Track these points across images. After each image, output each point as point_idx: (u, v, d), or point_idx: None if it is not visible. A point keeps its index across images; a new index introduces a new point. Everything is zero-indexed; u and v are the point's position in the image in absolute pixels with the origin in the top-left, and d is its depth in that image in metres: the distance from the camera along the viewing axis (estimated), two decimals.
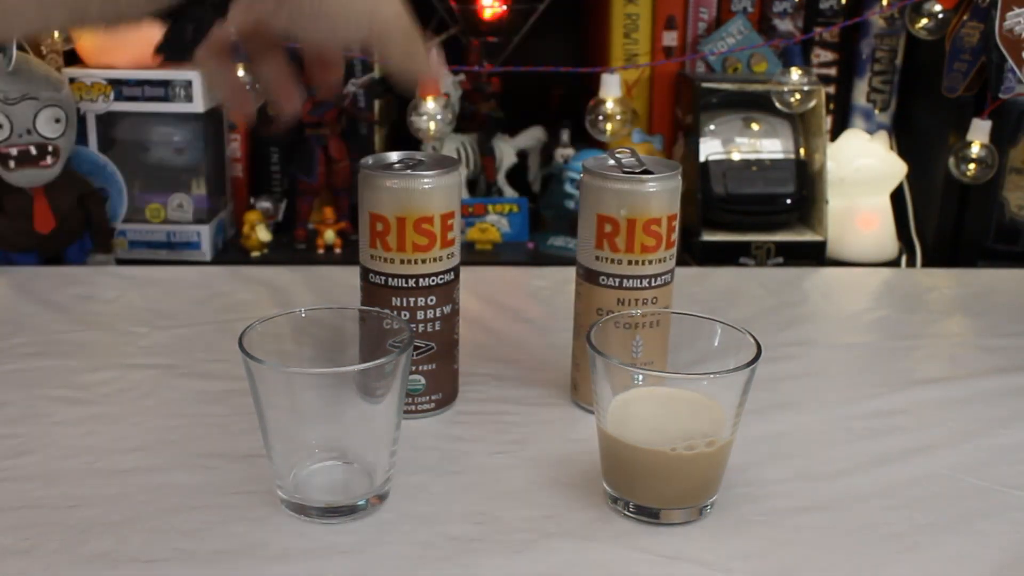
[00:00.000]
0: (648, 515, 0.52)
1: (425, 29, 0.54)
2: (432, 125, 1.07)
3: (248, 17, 0.46)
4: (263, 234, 1.12)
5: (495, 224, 1.16)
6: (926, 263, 1.14)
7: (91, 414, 0.64)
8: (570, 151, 1.20)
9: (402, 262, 0.60)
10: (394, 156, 0.62)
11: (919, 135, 1.20)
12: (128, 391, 0.68)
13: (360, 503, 0.53)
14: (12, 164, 0.98)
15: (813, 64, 1.20)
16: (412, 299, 0.61)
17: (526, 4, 1.17)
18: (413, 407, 0.63)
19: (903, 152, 1.18)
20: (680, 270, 0.64)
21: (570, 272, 0.65)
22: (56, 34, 1.05)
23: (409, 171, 0.60)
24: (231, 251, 1.14)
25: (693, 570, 0.49)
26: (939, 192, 1.14)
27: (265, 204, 1.15)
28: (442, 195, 0.60)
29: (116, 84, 1.05)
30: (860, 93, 1.21)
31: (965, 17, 1.04)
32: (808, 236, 1.10)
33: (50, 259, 1.03)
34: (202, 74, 0.56)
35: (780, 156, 1.11)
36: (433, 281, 0.61)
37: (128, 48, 1.05)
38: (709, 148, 1.10)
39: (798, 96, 1.08)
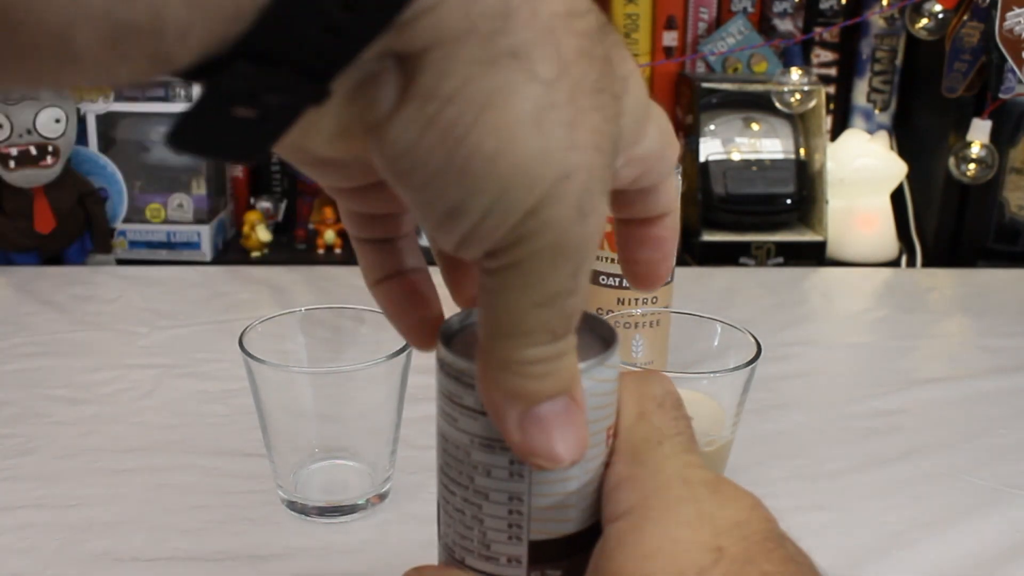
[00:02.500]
0: None
1: None
2: None
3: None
4: (263, 234, 1.12)
5: None
6: (926, 263, 1.14)
7: (91, 414, 0.64)
8: None
9: None
10: None
11: (919, 135, 1.20)
12: (128, 391, 0.68)
13: (360, 503, 0.53)
14: (12, 164, 0.98)
15: (813, 64, 1.20)
16: None
17: None
18: None
19: (903, 152, 1.18)
20: (680, 270, 0.64)
21: None
22: None
23: None
24: (231, 251, 1.14)
25: None
26: (939, 192, 1.14)
27: (265, 204, 1.15)
28: None
29: None
30: (860, 93, 1.21)
31: (965, 17, 1.04)
32: (808, 236, 1.10)
33: (50, 259, 1.03)
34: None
35: (780, 156, 1.11)
36: None
37: None
38: (709, 148, 1.10)
39: (798, 96, 1.08)
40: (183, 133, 0.20)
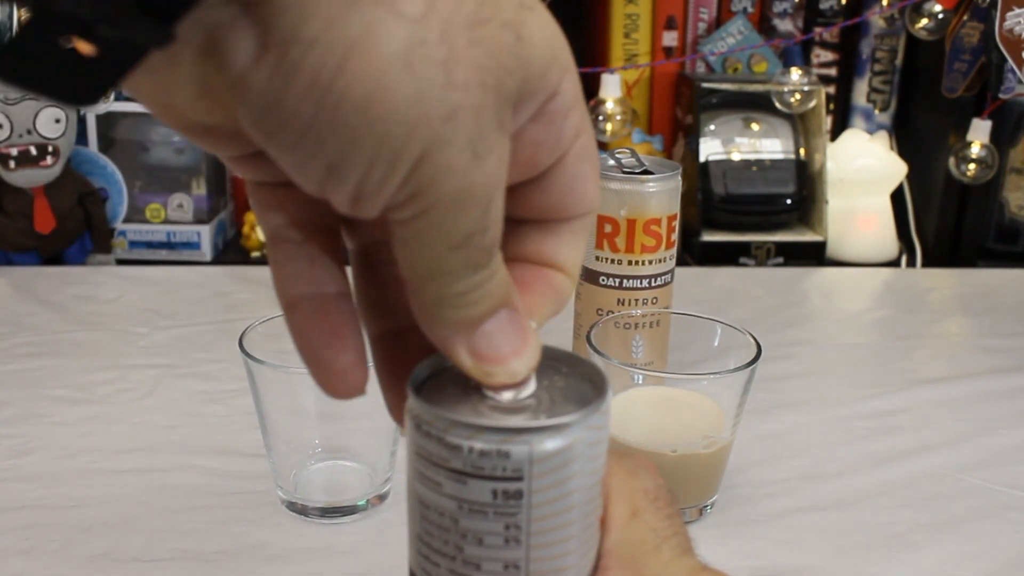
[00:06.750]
0: None
1: None
2: None
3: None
4: (263, 234, 1.12)
5: None
6: (926, 263, 1.14)
7: (91, 414, 0.64)
8: None
9: None
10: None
11: (919, 135, 1.20)
12: (128, 391, 0.68)
13: (360, 503, 0.53)
14: (12, 164, 0.98)
15: (813, 64, 1.20)
16: None
17: None
18: None
19: (903, 152, 1.18)
20: (680, 270, 0.64)
21: None
22: None
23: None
24: (231, 251, 1.13)
25: None
26: (939, 192, 1.14)
27: None
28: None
29: None
30: (860, 93, 1.21)
31: (965, 17, 1.04)
32: (808, 236, 1.10)
33: (50, 259, 1.03)
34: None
35: (780, 156, 1.11)
36: None
37: None
38: (709, 148, 1.10)
39: (798, 96, 1.08)
40: (10, 61, 0.18)
